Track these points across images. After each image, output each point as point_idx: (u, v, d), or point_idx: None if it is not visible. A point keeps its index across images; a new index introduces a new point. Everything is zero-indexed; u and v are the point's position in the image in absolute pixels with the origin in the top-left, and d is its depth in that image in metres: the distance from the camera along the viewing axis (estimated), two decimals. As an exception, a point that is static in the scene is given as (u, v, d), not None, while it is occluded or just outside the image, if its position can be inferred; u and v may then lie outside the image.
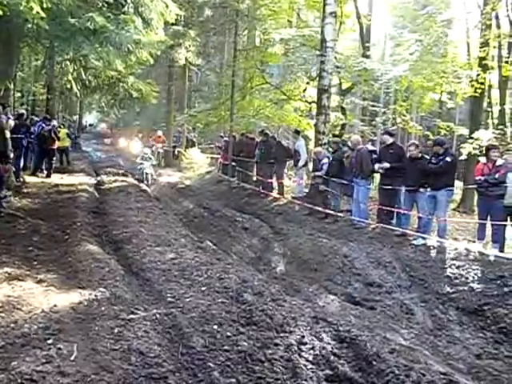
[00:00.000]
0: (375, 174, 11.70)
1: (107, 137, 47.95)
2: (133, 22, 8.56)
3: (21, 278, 5.37)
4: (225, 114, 18.16)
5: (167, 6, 9.27)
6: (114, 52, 8.73)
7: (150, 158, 18.26)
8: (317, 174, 12.54)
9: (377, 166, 10.46)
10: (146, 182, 17.06)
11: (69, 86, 11.49)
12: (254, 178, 16.26)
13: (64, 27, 8.36)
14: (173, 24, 18.02)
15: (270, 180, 15.05)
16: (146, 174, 17.52)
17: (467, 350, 5.50)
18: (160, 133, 23.71)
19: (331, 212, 11.42)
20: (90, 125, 60.98)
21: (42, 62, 9.31)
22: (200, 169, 21.75)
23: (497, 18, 17.67)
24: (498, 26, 18.06)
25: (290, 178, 16.83)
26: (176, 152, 25.90)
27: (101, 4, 9.38)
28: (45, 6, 6.91)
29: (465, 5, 19.38)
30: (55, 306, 4.50)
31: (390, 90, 21.57)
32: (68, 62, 9.26)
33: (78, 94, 14.61)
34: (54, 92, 19.89)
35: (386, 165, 10.15)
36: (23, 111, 14.42)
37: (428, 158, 9.64)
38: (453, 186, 9.50)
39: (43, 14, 6.90)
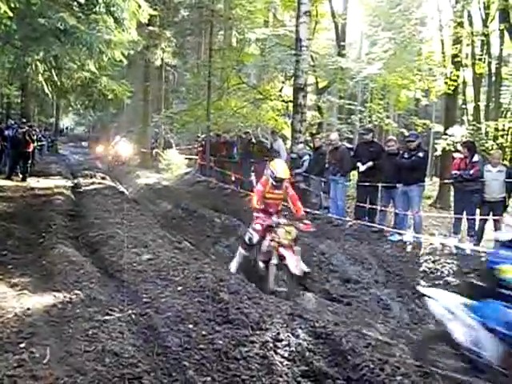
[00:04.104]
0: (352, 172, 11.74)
1: (84, 139, 47.74)
2: (104, 22, 8.49)
3: (-7, 283, 5.30)
4: (202, 114, 18.08)
5: (140, 6, 9.19)
6: (86, 52, 8.64)
7: None
8: (297, 171, 12.53)
9: (360, 165, 10.42)
10: None
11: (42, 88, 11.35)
12: (233, 178, 16.25)
13: (34, 27, 8.26)
14: (148, 25, 17.93)
15: (248, 179, 15.05)
16: None
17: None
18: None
19: (309, 210, 11.44)
20: (67, 128, 60.48)
21: (12, 64, 9.16)
22: (178, 170, 21.63)
23: (469, 15, 17.89)
24: (471, 24, 18.30)
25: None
26: (154, 153, 25.78)
27: (71, 4, 9.28)
28: (12, 5, 6.83)
29: (437, 2, 19.55)
30: (28, 309, 4.45)
31: (366, 88, 21.71)
32: (38, 63, 9.12)
33: (50, 96, 14.40)
34: (28, 94, 19.67)
35: (370, 163, 10.19)
36: (-6, 114, 14.26)
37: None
38: (424, 181, 9.66)
39: (11, 14, 6.81)
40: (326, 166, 11.52)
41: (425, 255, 8.23)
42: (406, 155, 9.41)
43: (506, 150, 15.34)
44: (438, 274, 7.47)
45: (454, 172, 9.28)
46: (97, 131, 48.73)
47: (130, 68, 25.30)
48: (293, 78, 13.96)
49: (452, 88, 16.08)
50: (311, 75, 16.32)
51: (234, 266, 7.22)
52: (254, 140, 15.30)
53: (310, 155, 12.28)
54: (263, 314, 4.69)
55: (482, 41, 18.44)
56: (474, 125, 15.67)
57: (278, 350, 4.09)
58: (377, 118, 18.08)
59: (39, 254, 6.96)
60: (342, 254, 8.37)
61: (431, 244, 8.66)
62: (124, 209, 10.97)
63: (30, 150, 15.51)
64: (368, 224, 9.94)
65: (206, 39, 22.98)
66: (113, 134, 35.20)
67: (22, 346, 3.72)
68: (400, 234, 9.24)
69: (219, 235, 10.48)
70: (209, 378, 3.62)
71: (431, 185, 18.14)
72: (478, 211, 9.00)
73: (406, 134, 12.47)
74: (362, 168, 10.34)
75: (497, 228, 8.69)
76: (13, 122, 16.58)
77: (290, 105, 14.94)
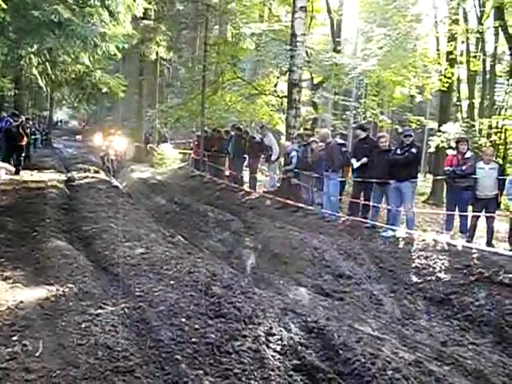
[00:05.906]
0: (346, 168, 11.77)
1: (78, 133, 47.47)
2: (99, 15, 8.47)
3: (-14, 276, 5.28)
4: (196, 108, 18.07)
5: (135, 0, 9.19)
6: (80, 45, 8.61)
7: None
8: (287, 167, 12.62)
9: (354, 162, 10.44)
10: None
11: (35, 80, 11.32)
12: (227, 173, 16.27)
13: (28, 20, 8.22)
14: (143, 18, 17.88)
15: (242, 174, 15.09)
16: None
17: (433, 337, 5.60)
18: None
19: (302, 205, 11.49)
20: (61, 121, 60.24)
21: (5, 56, 9.09)
22: (172, 164, 21.62)
23: (464, 12, 17.95)
24: (466, 21, 18.36)
25: (262, 173, 16.88)
26: (148, 148, 25.74)
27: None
28: (6, -3, 6.81)
29: (433, -1, 19.65)
30: (21, 302, 4.43)
31: (361, 84, 21.77)
32: (32, 56, 9.08)
33: (44, 89, 14.34)
34: (21, 87, 19.54)
35: (364, 160, 10.20)
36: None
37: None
38: (416, 177, 9.69)
39: (4, 6, 6.78)
40: (312, 160, 11.59)
41: (417, 251, 8.25)
42: (398, 151, 9.43)
43: (499, 147, 15.43)
44: (430, 269, 7.51)
45: (446, 168, 9.32)
46: (91, 125, 48.56)
47: (124, 62, 25.27)
48: (288, 74, 13.96)
49: (446, 85, 16.16)
50: (306, 71, 16.34)
51: None
52: (245, 136, 15.29)
53: (297, 151, 12.33)
54: (256, 309, 4.71)
55: (477, 38, 18.54)
56: (467, 122, 15.74)
57: (270, 344, 4.11)
58: (371, 114, 18.13)
59: (32, 247, 6.92)
60: (335, 250, 8.39)
61: (423, 240, 8.70)
62: (118, 203, 10.94)
63: (24, 143, 15.39)
64: (361, 220, 9.97)
65: (201, 33, 22.97)
66: (107, 127, 35.01)
67: (15, 338, 3.72)
68: (393, 230, 9.27)
69: (212, 230, 10.50)
70: (201, 372, 3.63)
71: (424, 181, 18.23)
72: (470, 208, 9.06)
73: (400, 130, 12.50)
74: (356, 164, 10.36)
75: (489, 225, 8.75)
76: (6, 115, 16.46)
77: (285, 100, 14.95)
